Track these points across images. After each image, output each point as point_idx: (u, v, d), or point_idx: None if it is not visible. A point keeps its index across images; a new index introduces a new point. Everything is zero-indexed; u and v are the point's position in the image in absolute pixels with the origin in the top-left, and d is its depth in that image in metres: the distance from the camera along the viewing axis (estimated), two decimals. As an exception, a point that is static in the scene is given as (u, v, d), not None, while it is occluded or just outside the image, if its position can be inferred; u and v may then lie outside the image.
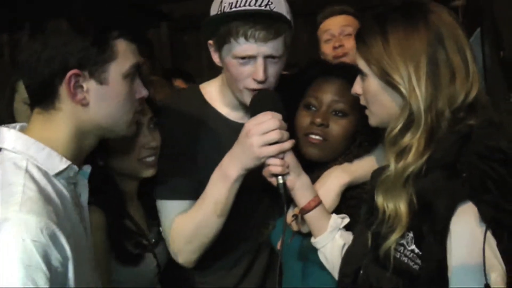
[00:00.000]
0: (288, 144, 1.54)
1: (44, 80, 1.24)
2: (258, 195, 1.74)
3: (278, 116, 1.54)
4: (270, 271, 1.83)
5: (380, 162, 1.61)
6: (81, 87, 1.24)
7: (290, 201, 1.57)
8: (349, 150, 1.67)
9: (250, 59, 1.58)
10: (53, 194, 1.20)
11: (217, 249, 1.71)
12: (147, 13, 1.38)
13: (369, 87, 1.35)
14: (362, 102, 1.41)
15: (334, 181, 1.61)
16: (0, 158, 1.23)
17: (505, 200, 1.15)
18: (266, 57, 1.58)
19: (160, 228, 1.76)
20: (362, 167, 1.63)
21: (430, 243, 1.18)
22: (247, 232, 1.78)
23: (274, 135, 1.52)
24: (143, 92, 1.36)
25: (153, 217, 1.76)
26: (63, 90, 1.24)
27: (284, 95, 1.64)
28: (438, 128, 1.25)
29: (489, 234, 1.13)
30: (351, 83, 1.55)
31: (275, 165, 1.53)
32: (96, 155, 1.53)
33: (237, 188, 1.61)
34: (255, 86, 1.60)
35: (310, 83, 1.71)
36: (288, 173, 1.53)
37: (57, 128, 1.26)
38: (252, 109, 1.59)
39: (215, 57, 1.68)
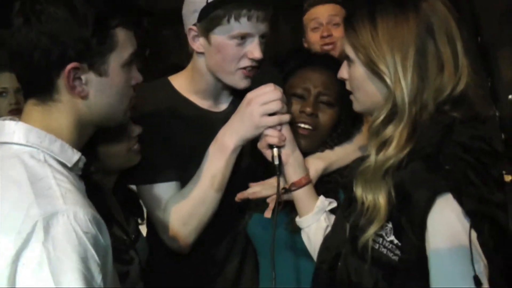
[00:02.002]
0: (286, 116, 1.59)
1: (40, 71, 1.19)
2: (237, 186, 1.74)
3: (280, 88, 1.60)
4: (246, 263, 1.83)
5: (359, 148, 1.65)
6: (80, 79, 1.21)
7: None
8: (330, 138, 1.69)
9: (247, 39, 1.63)
10: (76, 185, 1.18)
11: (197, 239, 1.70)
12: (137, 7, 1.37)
13: (354, 73, 1.34)
14: (348, 87, 1.40)
15: (309, 167, 1.63)
16: (10, 153, 1.18)
17: (488, 191, 1.15)
18: (260, 37, 1.63)
19: (139, 221, 1.76)
20: (338, 153, 1.67)
21: (409, 235, 1.17)
22: (225, 222, 1.77)
23: (275, 105, 1.57)
24: (139, 78, 1.34)
25: (129, 212, 1.76)
26: (60, 82, 1.20)
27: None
28: (420, 121, 1.24)
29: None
30: (335, 73, 1.57)
31: (272, 136, 1.57)
32: (88, 161, 1.52)
33: (234, 160, 1.65)
34: (250, 64, 1.65)
35: (295, 72, 1.72)
36: (283, 146, 1.56)
37: (58, 119, 1.23)
38: (254, 83, 1.63)
39: (197, 43, 1.69)
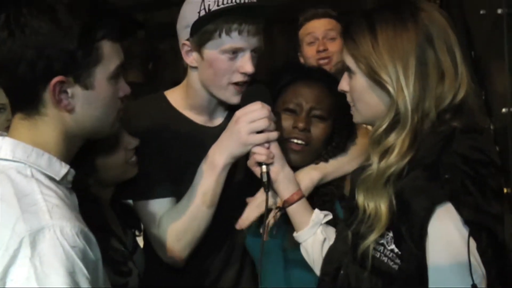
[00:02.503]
0: (274, 134, 1.60)
1: (26, 85, 1.19)
2: (231, 201, 1.75)
3: (267, 106, 1.61)
4: (244, 274, 1.84)
5: (354, 159, 1.65)
6: (66, 92, 1.20)
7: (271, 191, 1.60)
8: (325, 151, 1.70)
9: (238, 53, 1.64)
10: (65, 199, 1.18)
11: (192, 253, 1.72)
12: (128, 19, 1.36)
13: (356, 85, 1.34)
14: (349, 99, 1.41)
15: (304, 177, 1.66)
16: None
17: (485, 202, 1.16)
18: (251, 51, 1.65)
19: (137, 232, 1.76)
20: (333, 165, 1.68)
21: (409, 244, 1.18)
22: (221, 236, 1.78)
23: (262, 123, 1.59)
24: (126, 90, 1.33)
25: (126, 224, 1.77)
26: (46, 95, 1.19)
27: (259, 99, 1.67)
28: (422, 129, 1.25)
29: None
30: (328, 87, 1.59)
31: (260, 154, 1.58)
32: (83, 173, 1.50)
33: (224, 177, 1.66)
34: (241, 79, 1.66)
35: (288, 86, 1.73)
36: (272, 163, 1.57)
37: (44, 133, 1.22)
38: (244, 100, 1.65)
39: (190, 58, 1.71)
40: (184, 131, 1.78)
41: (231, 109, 1.81)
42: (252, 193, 1.71)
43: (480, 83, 2.61)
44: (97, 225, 1.53)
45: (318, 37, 2.57)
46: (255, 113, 1.60)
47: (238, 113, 1.63)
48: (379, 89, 1.29)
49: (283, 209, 1.61)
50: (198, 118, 1.81)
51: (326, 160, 1.70)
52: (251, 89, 1.68)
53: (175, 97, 1.83)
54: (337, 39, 2.54)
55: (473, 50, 2.77)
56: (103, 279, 1.21)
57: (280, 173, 1.59)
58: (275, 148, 1.60)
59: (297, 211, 1.58)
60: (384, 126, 1.27)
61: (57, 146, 1.24)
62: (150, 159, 1.73)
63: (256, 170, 1.60)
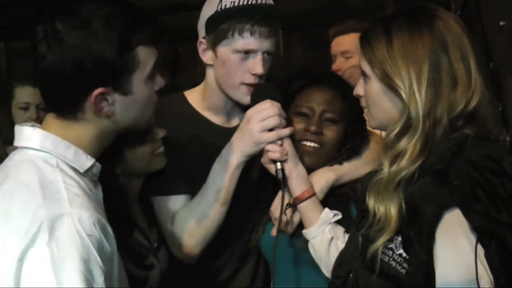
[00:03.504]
0: (286, 130, 1.63)
1: (66, 97, 1.23)
2: (246, 200, 1.79)
3: (277, 104, 1.64)
4: (258, 274, 1.87)
5: (368, 162, 1.67)
6: (106, 100, 1.24)
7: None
8: (339, 154, 1.72)
9: (250, 54, 1.67)
10: (87, 190, 1.22)
11: (206, 251, 1.74)
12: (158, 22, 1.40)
13: (371, 89, 1.36)
14: (363, 103, 1.42)
15: (320, 178, 1.68)
16: (26, 157, 1.22)
17: (495, 209, 1.16)
18: (263, 53, 1.68)
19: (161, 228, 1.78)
20: (348, 167, 1.70)
21: (417, 248, 1.19)
22: (235, 235, 1.81)
23: (273, 121, 1.61)
24: (161, 83, 1.36)
25: (152, 220, 1.78)
26: (87, 105, 1.23)
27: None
28: (433, 135, 1.26)
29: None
30: (339, 91, 1.61)
31: (273, 151, 1.60)
32: (112, 163, 1.55)
33: (238, 175, 1.69)
34: (252, 81, 1.69)
35: (300, 91, 1.76)
36: (286, 160, 1.60)
37: (78, 132, 1.27)
38: (253, 99, 1.68)
39: (207, 56, 1.76)
40: (202, 131, 1.81)
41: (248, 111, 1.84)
42: (266, 192, 1.75)
43: (497, 94, 2.60)
44: (121, 216, 1.57)
45: (352, 52, 2.57)
46: (266, 111, 1.63)
47: (249, 112, 1.66)
48: (393, 94, 1.30)
49: (294, 205, 1.63)
50: (216, 119, 1.85)
51: (340, 163, 1.72)
52: (261, 88, 1.71)
53: (194, 97, 1.87)
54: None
55: (491, 61, 2.77)
56: (118, 272, 1.24)
57: (294, 170, 1.62)
58: (288, 145, 1.63)
59: (307, 208, 1.61)
60: (396, 131, 1.29)
61: (89, 143, 1.28)
62: (168, 157, 1.76)
63: (271, 168, 1.63)
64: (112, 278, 1.21)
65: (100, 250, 1.14)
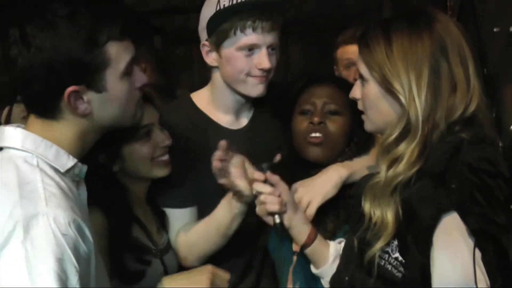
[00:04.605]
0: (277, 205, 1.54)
1: (40, 98, 1.23)
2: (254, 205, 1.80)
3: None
4: (264, 276, 1.88)
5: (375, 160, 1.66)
6: (81, 98, 1.23)
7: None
8: (348, 148, 1.72)
9: (254, 50, 1.68)
10: (67, 191, 1.22)
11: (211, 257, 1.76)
12: (141, 24, 1.39)
13: (368, 92, 1.34)
14: (360, 106, 1.41)
15: (332, 173, 1.66)
16: (6, 157, 1.23)
17: (492, 211, 1.16)
18: (268, 47, 1.69)
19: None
20: (361, 163, 1.68)
21: (414, 252, 1.19)
22: (242, 237, 1.80)
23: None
24: (143, 79, 1.35)
25: (162, 223, 1.79)
26: (62, 104, 1.23)
27: (278, 104, 1.77)
28: (431, 140, 1.25)
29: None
30: (339, 86, 1.63)
31: (271, 203, 1.52)
32: (109, 159, 1.55)
33: (240, 219, 1.67)
34: (260, 74, 1.71)
35: (303, 92, 1.77)
36: (285, 211, 1.53)
37: (60, 132, 1.27)
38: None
39: (211, 58, 1.76)
40: (211, 136, 1.80)
41: (256, 111, 1.87)
42: None
43: (491, 100, 2.62)
44: (118, 210, 1.58)
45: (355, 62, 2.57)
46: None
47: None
48: (391, 98, 1.29)
49: (302, 252, 1.59)
50: (224, 120, 1.85)
51: (350, 158, 1.71)
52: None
53: (201, 99, 1.88)
54: None
55: (486, 67, 2.79)
56: (97, 272, 1.24)
57: (293, 218, 1.54)
58: (285, 193, 1.56)
59: (315, 250, 1.55)
60: (394, 135, 1.27)
61: (71, 143, 1.27)
62: (174, 165, 1.75)
63: (268, 220, 1.56)
64: (89, 278, 1.21)
65: (75, 250, 1.14)
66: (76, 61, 1.20)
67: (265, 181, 1.55)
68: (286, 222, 1.54)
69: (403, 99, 1.25)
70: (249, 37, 1.67)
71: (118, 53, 1.25)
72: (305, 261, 1.62)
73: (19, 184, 1.17)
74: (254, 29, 1.66)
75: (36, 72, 1.19)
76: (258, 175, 1.55)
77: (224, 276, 1.49)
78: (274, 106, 1.82)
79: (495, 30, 2.51)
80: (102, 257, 1.37)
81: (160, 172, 1.71)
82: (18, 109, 2.90)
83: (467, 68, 1.27)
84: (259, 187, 1.54)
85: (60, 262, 1.10)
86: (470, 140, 1.24)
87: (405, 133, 1.27)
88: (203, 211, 1.78)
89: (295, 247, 1.64)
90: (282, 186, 1.55)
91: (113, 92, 1.26)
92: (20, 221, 1.11)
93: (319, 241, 1.55)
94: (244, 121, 1.88)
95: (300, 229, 1.55)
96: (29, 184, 1.18)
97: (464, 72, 1.27)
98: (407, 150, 1.25)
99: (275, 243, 1.76)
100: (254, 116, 1.89)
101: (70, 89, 1.21)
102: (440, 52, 1.25)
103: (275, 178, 1.55)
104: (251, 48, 1.69)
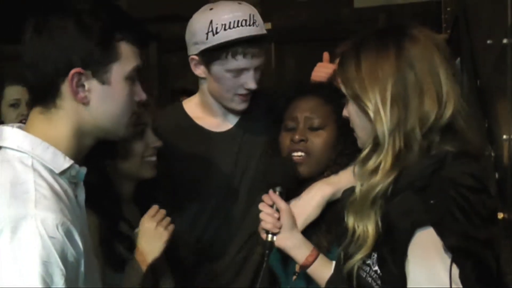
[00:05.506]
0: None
1: (48, 78, 1.27)
2: (237, 211, 1.89)
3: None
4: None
5: None
6: (83, 85, 1.28)
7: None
8: (333, 161, 1.70)
9: (242, 71, 1.79)
10: (60, 192, 1.23)
11: (207, 254, 1.86)
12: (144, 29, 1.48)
13: (349, 110, 1.38)
14: (351, 125, 1.43)
15: (316, 192, 1.67)
16: (4, 157, 1.24)
17: (473, 228, 1.15)
18: (255, 69, 1.80)
19: None
20: (346, 177, 1.65)
21: (390, 265, 1.19)
22: (230, 243, 1.90)
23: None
24: (142, 95, 1.40)
25: None
26: (65, 88, 1.28)
27: (268, 117, 1.84)
28: (409, 149, 1.26)
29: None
30: (324, 98, 1.63)
31: (266, 222, 1.63)
32: (104, 156, 1.60)
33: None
34: (245, 92, 1.83)
35: (289, 104, 1.78)
36: (278, 232, 1.59)
37: (58, 126, 1.29)
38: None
39: (199, 70, 1.87)
40: (192, 138, 1.92)
41: (243, 115, 1.95)
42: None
43: (484, 111, 2.64)
44: (109, 215, 1.63)
45: None
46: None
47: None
48: (363, 114, 1.32)
49: (302, 273, 1.62)
50: (210, 124, 1.96)
51: (336, 172, 1.70)
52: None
53: (191, 106, 2.00)
54: None
55: (479, 79, 2.81)
56: (88, 274, 1.24)
57: (288, 240, 1.59)
58: (285, 215, 1.62)
59: (316, 270, 1.58)
60: (367, 150, 1.30)
61: (68, 141, 1.30)
62: (159, 170, 1.81)
63: (263, 236, 1.65)
64: (78, 281, 1.21)
65: (62, 253, 1.14)
66: (88, 47, 1.28)
67: (273, 204, 1.65)
68: (280, 243, 1.60)
69: (371, 114, 1.28)
70: (239, 62, 1.79)
71: (128, 55, 1.34)
72: (305, 282, 1.64)
73: (11, 184, 1.18)
74: (244, 56, 1.78)
75: (51, 53, 1.26)
76: (267, 198, 1.66)
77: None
78: (262, 118, 1.90)
79: (488, 42, 2.53)
80: (94, 249, 1.39)
81: (147, 173, 1.77)
82: (15, 113, 2.91)
83: (438, 75, 1.29)
84: (262, 206, 1.64)
85: (46, 265, 1.10)
86: (455, 153, 1.25)
87: (375, 146, 1.29)
88: (180, 212, 1.86)
89: (297, 267, 1.66)
90: (285, 210, 1.62)
91: (115, 88, 1.31)
92: (9, 222, 1.12)
93: (320, 261, 1.58)
94: (229, 124, 1.97)
95: (298, 251, 1.60)
96: (22, 184, 1.19)
97: (434, 80, 1.28)
98: (378, 161, 1.27)
99: (276, 260, 1.76)
100: (241, 120, 1.96)
101: (75, 70, 1.26)
102: (406, 65, 1.28)
103: (281, 204, 1.63)
104: (239, 70, 1.79)
